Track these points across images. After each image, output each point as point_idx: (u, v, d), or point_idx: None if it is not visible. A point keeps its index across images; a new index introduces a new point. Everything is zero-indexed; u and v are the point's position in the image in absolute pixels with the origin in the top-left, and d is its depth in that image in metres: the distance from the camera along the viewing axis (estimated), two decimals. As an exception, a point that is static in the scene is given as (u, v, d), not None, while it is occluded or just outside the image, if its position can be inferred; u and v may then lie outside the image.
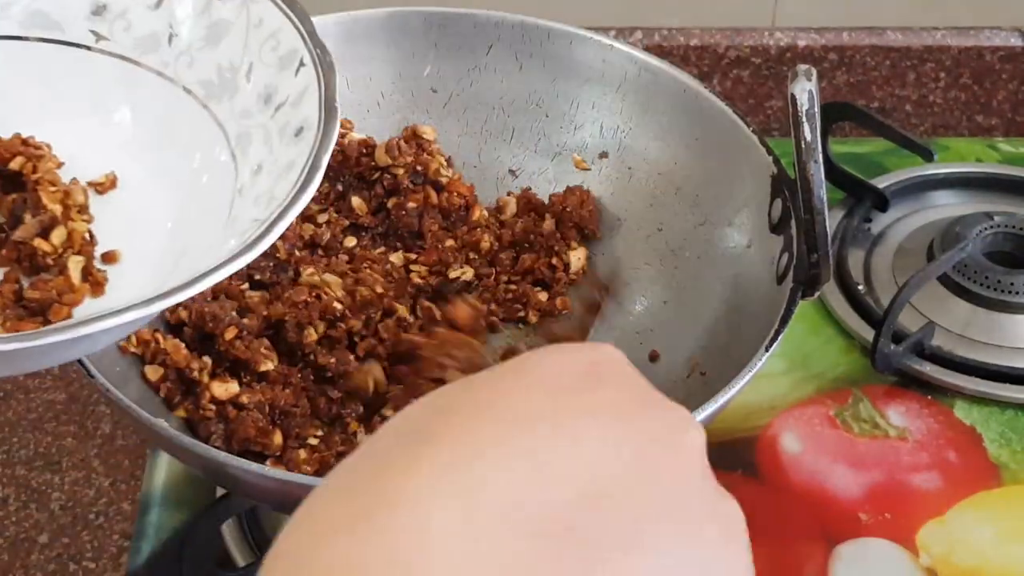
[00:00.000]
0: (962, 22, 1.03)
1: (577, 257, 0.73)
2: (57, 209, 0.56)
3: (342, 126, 0.74)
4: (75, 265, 0.54)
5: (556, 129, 0.76)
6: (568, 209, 0.73)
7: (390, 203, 0.73)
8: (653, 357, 0.70)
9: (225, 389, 0.63)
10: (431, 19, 0.75)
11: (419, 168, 0.73)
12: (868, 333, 0.81)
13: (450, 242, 0.72)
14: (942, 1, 1.02)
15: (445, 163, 0.74)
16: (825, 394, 0.80)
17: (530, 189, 0.76)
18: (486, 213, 0.75)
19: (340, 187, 0.73)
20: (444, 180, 0.73)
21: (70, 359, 0.53)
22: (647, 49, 0.78)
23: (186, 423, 0.63)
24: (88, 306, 0.54)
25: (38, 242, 0.55)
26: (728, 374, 0.58)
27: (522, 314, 0.72)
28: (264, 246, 0.48)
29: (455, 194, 0.73)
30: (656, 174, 0.74)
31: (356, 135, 0.74)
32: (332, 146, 0.52)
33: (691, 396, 0.63)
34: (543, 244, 0.73)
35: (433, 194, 0.73)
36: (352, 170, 0.73)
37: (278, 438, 0.63)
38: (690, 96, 0.72)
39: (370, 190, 0.73)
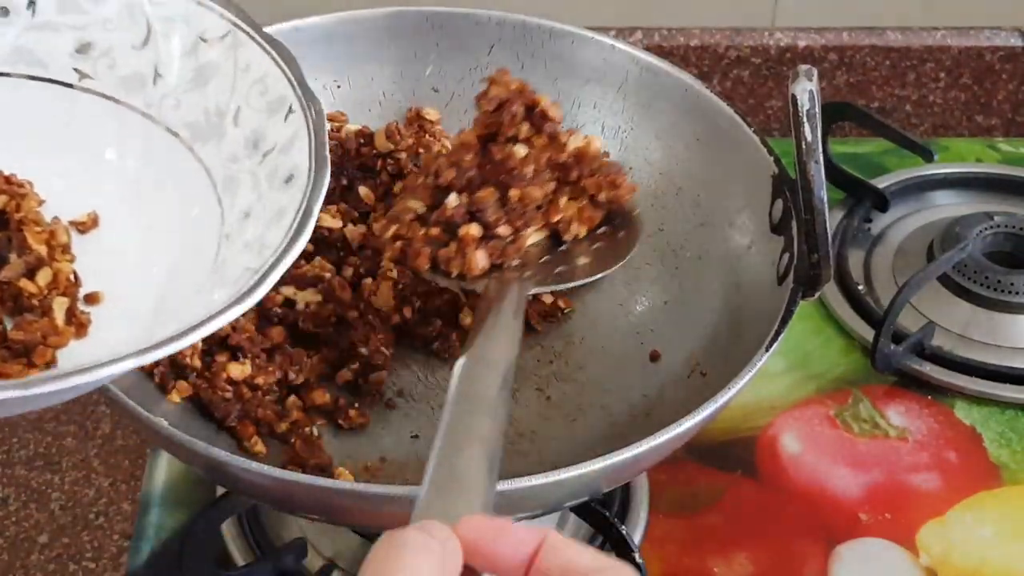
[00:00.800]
0: (962, 22, 1.03)
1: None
2: (42, 250, 0.55)
3: (336, 119, 0.74)
4: (59, 307, 0.54)
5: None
6: None
7: (396, 188, 0.72)
8: (654, 357, 0.70)
9: (240, 370, 0.63)
10: (432, 19, 0.75)
11: (421, 151, 0.72)
12: (868, 333, 0.81)
13: None
14: (942, 1, 1.02)
15: (449, 146, 0.74)
16: (825, 394, 0.80)
17: None
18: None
19: (344, 180, 0.73)
20: None
21: (51, 404, 0.52)
22: (647, 49, 0.78)
23: (197, 405, 0.63)
24: (72, 348, 0.53)
25: (24, 283, 0.54)
26: (728, 374, 0.58)
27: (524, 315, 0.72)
28: (259, 295, 0.48)
29: None
30: (657, 174, 0.74)
31: (351, 126, 0.74)
32: (324, 193, 0.52)
33: (691, 396, 0.63)
34: None
35: None
36: (353, 162, 0.72)
37: (288, 423, 0.64)
38: (691, 96, 0.72)
39: (375, 178, 0.73)
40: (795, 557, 0.71)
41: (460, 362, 0.48)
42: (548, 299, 0.72)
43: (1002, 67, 1.03)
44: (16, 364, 0.52)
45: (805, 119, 0.60)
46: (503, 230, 0.60)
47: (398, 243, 0.60)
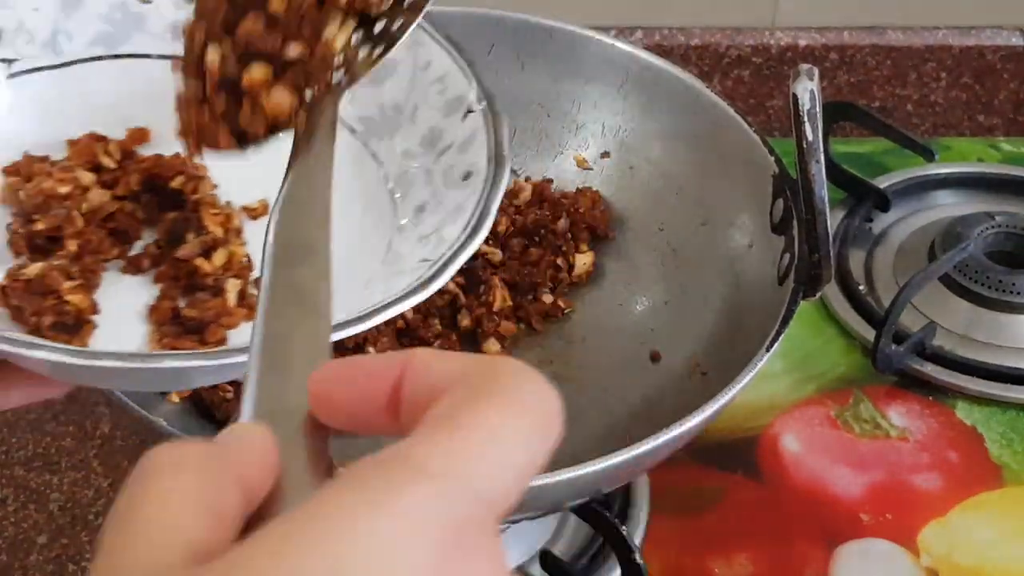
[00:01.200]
0: (963, 21, 1.03)
1: (583, 262, 0.73)
2: (219, 231, 0.56)
3: None
4: (232, 288, 0.54)
5: (558, 129, 0.76)
6: (581, 211, 0.73)
7: None
8: (654, 357, 0.69)
9: None
10: (432, 18, 0.75)
11: None
12: (869, 333, 0.81)
13: None
14: (943, 0, 1.01)
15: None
16: (826, 394, 0.80)
17: (543, 180, 0.76)
18: None
19: None
20: None
21: (214, 382, 0.52)
22: (647, 49, 0.78)
23: (197, 405, 0.63)
24: (242, 329, 0.54)
25: (200, 262, 0.55)
26: (729, 374, 0.58)
27: (525, 315, 0.72)
28: (437, 286, 0.48)
29: None
30: (658, 174, 0.74)
31: None
32: (502, 192, 0.52)
33: (692, 396, 0.63)
34: (552, 243, 0.73)
35: None
36: None
37: None
38: (692, 96, 0.72)
39: None
40: (796, 558, 0.71)
41: (273, 212, 0.39)
42: (548, 299, 0.72)
43: (1003, 66, 1.03)
44: (188, 340, 0.52)
45: (806, 119, 0.60)
46: (293, 51, 0.47)
47: (190, 137, 0.49)
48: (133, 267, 0.55)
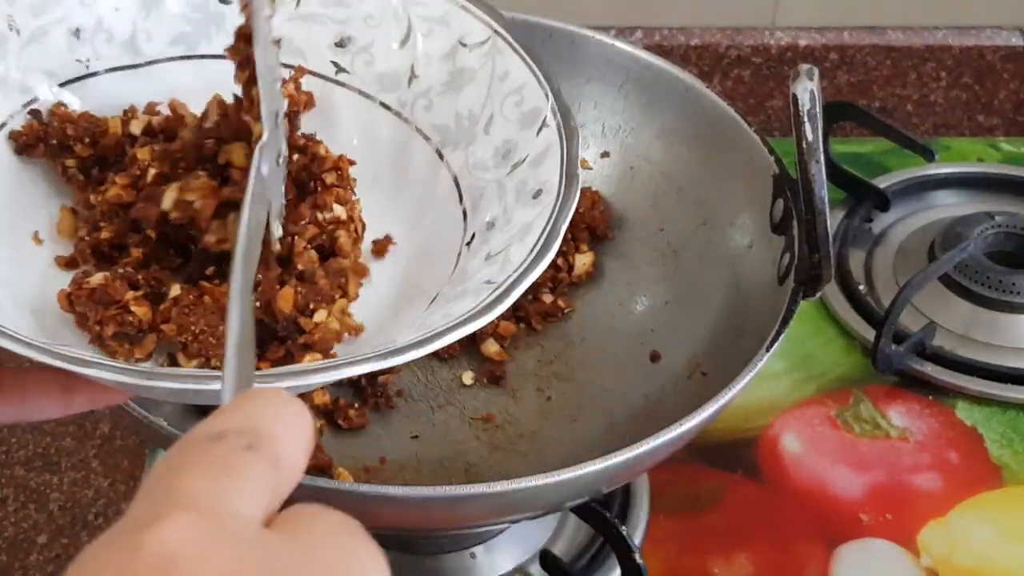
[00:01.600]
0: (963, 21, 1.03)
1: (583, 262, 0.73)
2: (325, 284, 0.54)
3: None
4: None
5: (557, 128, 0.76)
6: (580, 211, 0.73)
7: None
8: (654, 357, 0.69)
9: None
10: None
11: None
12: (869, 333, 0.81)
13: None
14: (943, 0, 1.01)
15: None
16: (826, 394, 0.80)
17: None
18: None
19: None
20: None
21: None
22: (647, 48, 0.78)
23: (198, 407, 0.63)
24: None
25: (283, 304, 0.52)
26: (729, 374, 0.58)
27: (525, 315, 0.72)
28: (499, 311, 0.47)
29: None
30: (658, 174, 0.74)
31: None
32: (571, 213, 0.51)
33: (692, 396, 0.63)
34: None
35: None
36: None
37: None
38: (692, 96, 0.72)
39: None
40: (796, 558, 0.71)
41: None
42: (548, 299, 0.72)
43: (1003, 66, 1.03)
44: (263, 362, 0.51)
45: (806, 119, 0.60)
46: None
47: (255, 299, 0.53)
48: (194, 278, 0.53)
